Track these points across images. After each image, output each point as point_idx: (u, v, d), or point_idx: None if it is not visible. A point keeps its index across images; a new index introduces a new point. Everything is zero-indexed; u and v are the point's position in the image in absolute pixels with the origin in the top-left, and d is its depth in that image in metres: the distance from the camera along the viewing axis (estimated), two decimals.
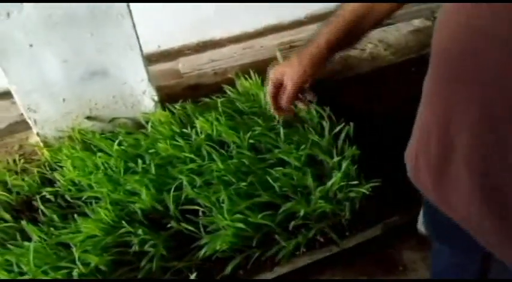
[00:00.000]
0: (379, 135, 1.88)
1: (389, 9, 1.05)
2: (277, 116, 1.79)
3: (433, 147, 0.81)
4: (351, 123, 1.83)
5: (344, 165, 1.67)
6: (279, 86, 1.18)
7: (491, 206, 0.73)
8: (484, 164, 0.70)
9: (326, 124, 1.85)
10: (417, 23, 2.73)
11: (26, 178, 1.93)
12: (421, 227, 1.69)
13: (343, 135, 1.81)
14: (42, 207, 1.76)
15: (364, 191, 1.61)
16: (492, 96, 0.64)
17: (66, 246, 1.60)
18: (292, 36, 3.25)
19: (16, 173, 2.01)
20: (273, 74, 1.18)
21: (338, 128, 1.83)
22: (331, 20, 1.07)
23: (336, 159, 1.71)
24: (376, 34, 2.68)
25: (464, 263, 1.17)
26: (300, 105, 1.33)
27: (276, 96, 1.20)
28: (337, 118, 1.88)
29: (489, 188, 0.72)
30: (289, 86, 1.15)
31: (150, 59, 2.84)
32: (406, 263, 1.65)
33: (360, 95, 2.16)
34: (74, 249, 1.53)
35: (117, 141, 1.91)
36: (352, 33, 1.08)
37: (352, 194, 1.63)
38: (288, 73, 1.13)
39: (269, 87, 1.20)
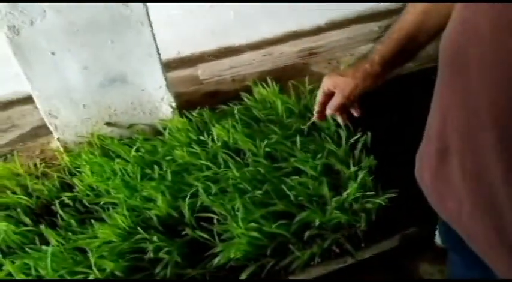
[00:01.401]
0: (397, 145, 1.84)
1: (440, 25, 1.06)
2: (311, 120, 1.78)
3: (433, 148, 0.82)
4: (368, 133, 1.81)
5: (360, 175, 1.65)
6: (329, 95, 1.20)
7: (483, 211, 0.73)
8: (473, 162, 0.71)
9: (343, 133, 1.83)
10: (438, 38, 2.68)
11: (46, 183, 1.96)
12: (438, 239, 1.66)
13: (360, 144, 1.79)
14: (60, 212, 1.79)
15: (380, 201, 1.59)
16: (480, 102, 0.64)
17: (83, 251, 1.62)
18: (312, 43, 3.24)
19: (37, 177, 2.05)
20: (326, 83, 1.21)
21: (355, 138, 1.81)
22: (385, 38, 1.09)
23: (352, 169, 1.69)
24: None
25: (475, 276, 1.15)
26: (339, 119, 1.33)
27: (324, 103, 1.23)
28: (354, 127, 1.86)
29: (480, 190, 0.73)
30: (338, 97, 1.18)
31: (169, 65, 2.87)
32: (422, 275, 1.62)
33: (378, 104, 2.13)
34: (90, 255, 1.56)
35: (134, 148, 1.94)
36: (405, 51, 1.10)
37: (368, 205, 1.61)
38: (340, 85, 1.16)
39: (319, 94, 1.23)
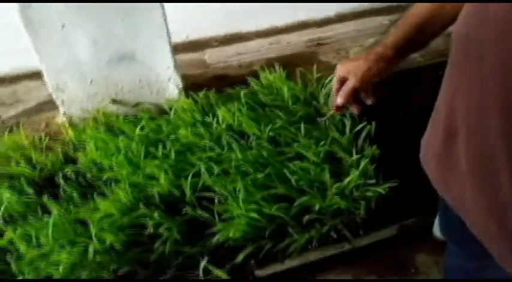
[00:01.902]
0: (401, 137, 1.85)
1: (455, 13, 1.06)
2: (329, 113, 1.77)
3: (439, 132, 0.83)
4: (373, 123, 1.82)
5: (363, 163, 1.66)
6: (344, 82, 1.18)
7: (484, 187, 0.74)
8: (479, 145, 0.72)
9: (347, 122, 1.84)
10: (450, 27, 2.67)
11: (50, 155, 1.98)
12: (436, 231, 1.67)
13: (364, 134, 1.80)
14: (63, 184, 1.80)
15: (381, 190, 1.61)
16: (489, 85, 0.64)
17: (84, 223, 1.64)
18: (321, 33, 3.23)
19: (41, 150, 2.06)
20: (339, 70, 1.19)
21: (359, 127, 1.82)
22: (399, 22, 1.09)
23: (355, 157, 1.70)
24: None
25: (475, 269, 1.16)
26: (352, 109, 1.32)
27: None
28: (359, 117, 1.86)
29: (483, 169, 0.73)
30: (351, 81, 1.17)
31: (177, 48, 2.87)
32: (419, 266, 1.63)
33: (384, 95, 2.14)
34: (91, 226, 1.57)
35: (139, 126, 1.95)
36: (418, 37, 1.09)
37: (368, 193, 1.62)
38: (353, 70, 1.15)
39: (334, 83, 1.21)
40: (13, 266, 1.52)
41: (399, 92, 2.17)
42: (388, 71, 1.18)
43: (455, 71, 0.76)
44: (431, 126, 0.90)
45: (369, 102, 1.27)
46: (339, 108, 1.23)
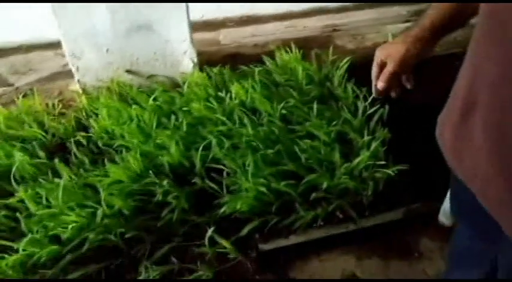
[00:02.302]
0: (413, 122, 1.86)
1: None
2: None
3: (458, 104, 0.83)
4: (386, 107, 1.82)
5: (373, 145, 1.66)
6: (383, 67, 1.17)
7: (499, 160, 0.74)
8: (498, 118, 0.72)
9: (361, 104, 1.84)
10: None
11: (63, 121, 2.00)
12: (442, 217, 1.68)
13: (376, 116, 1.80)
14: (75, 149, 1.82)
15: (390, 172, 1.61)
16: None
17: (93, 188, 1.66)
18: (337, 20, 3.22)
19: (54, 116, 2.08)
20: (377, 54, 1.18)
21: (372, 109, 1.82)
22: (436, 4, 1.08)
23: (366, 138, 1.70)
24: None
25: (479, 249, 1.16)
26: (393, 93, 1.30)
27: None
28: (373, 99, 1.86)
29: (500, 141, 0.73)
30: (390, 65, 1.16)
31: (192, 27, 2.89)
32: (423, 250, 1.64)
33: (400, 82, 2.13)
34: (100, 191, 1.59)
35: (153, 97, 1.96)
36: (456, 18, 1.08)
37: (377, 175, 1.63)
38: (392, 53, 1.14)
39: (374, 68, 1.21)
40: (22, 224, 1.55)
41: (415, 80, 2.16)
42: (426, 53, 1.16)
43: (483, 39, 0.76)
44: (450, 99, 0.90)
45: (408, 86, 1.26)
46: (381, 92, 1.22)
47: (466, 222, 1.14)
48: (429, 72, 2.24)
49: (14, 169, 1.71)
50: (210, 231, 1.52)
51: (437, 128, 0.96)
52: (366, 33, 2.58)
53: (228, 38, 3.07)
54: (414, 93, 2.08)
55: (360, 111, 1.83)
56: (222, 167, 1.69)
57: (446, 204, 1.62)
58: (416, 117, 1.86)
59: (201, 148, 1.72)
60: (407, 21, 2.96)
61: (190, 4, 1.99)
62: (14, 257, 1.44)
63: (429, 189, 1.68)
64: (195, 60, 2.09)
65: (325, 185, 1.61)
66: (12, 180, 1.69)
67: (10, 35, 3.00)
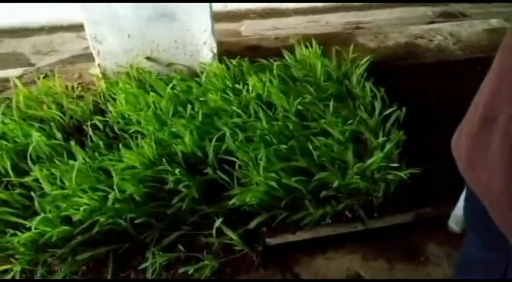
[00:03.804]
0: (430, 126, 1.84)
1: None
2: None
3: (478, 115, 0.82)
4: (403, 108, 1.80)
5: (388, 146, 1.65)
6: None
7: None
8: None
9: (378, 104, 1.83)
10: (494, 22, 2.61)
11: (81, 104, 2.02)
12: (452, 223, 1.66)
13: (392, 118, 1.79)
14: (91, 133, 1.85)
15: (402, 175, 1.60)
16: None
17: (107, 172, 1.68)
18: (360, 17, 3.19)
19: (72, 98, 2.11)
20: None
21: (389, 110, 1.80)
22: None
23: (380, 139, 1.69)
24: (448, 27, 2.59)
25: (489, 261, 1.15)
26: None
27: None
28: (390, 101, 1.85)
29: None
30: None
31: (214, 17, 2.90)
32: (429, 255, 1.63)
33: (418, 84, 2.11)
34: (113, 175, 1.62)
35: (170, 85, 1.97)
36: None
37: (389, 176, 1.62)
38: None
39: None
40: (36, 203, 1.58)
41: (434, 83, 2.14)
42: None
43: (505, 57, 0.75)
44: (470, 110, 0.89)
45: None
46: None
47: (477, 231, 1.13)
48: (450, 76, 2.22)
49: (31, 148, 1.74)
50: (218, 222, 1.54)
51: (453, 139, 0.95)
52: (388, 33, 2.55)
53: (249, 29, 3.07)
54: (433, 96, 2.08)
55: (377, 111, 1.82)
56: (234, 159, 1.69)
57: (457, 211, 1.61)
58: (434, 121, 1.85)
59: (214, 139, 1.73)
60: (432, 22, 2.93)
61: None
62: (26, 234, 1.47)
63: (441, 195, 1.67)
64: (215, 50, 2.10)
65: (336, 184, 1.61)
66: (29, 160, 1.72)
67: (34, 16, 3.05)
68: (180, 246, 1.56)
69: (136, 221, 1.55)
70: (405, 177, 1.60)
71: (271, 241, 1.59)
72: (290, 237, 1.61)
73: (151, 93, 1.94)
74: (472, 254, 1.23)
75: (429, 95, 2.06)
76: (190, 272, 1.50)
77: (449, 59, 2.34)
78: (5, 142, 1.79)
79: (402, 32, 2.52)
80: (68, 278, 1.49)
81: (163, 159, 1.68)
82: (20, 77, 2.27)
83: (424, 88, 2.10)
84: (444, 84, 2.15)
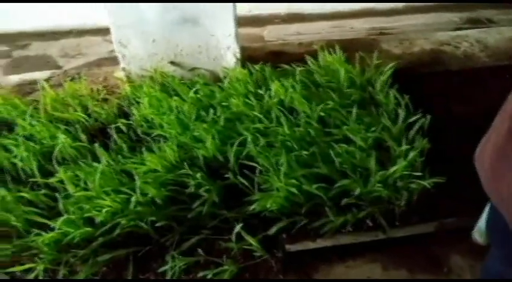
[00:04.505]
0: (455, 135, 1.81)
1: None
2: None
3: (505, 127, 0.80)
4: (428, 116, 1.77)
5: (411, 155, 1.63)
6: None
7: None
8: None
9: (401, 112, 1.80)
10: None
11: (106, 107, 2.06)
12: (476, 235, 1.63)
13: (417, 126, 1.76)
14: (115, 135, 1.88)
15: (426, 184, 1.57)
16: None
17: (129, 175, 1.70)
18: (386, 23, 3.16)
19: (97, 101, 2.14)
20: None
21: (413, 118, 1.78)
22: None
23: (404, 147, 1.67)
24: (475, 34, 2.55)
25: (510, 276, 1.12)
26: None
27: None
28: (414, 108, 1.82)
29: None
30: None
31: (238, 22, 2.92)
32: (452, 266, 1.59)
33: (443, 91, 2.08)
34: (136, 178, 1.63)
35: (193, 89, 1.99)
36: None
37: (412, 185, 1.59)
38: None
39: None
40: (60, 204, 1.61)
41: (460, 90, 2.10)
42: None
43: None
44: (496, 123, 0.87)
45: None
46: None
47: (498, 245, 1.10)
48: (476, 83, 2.18)
49: (56, 150, 1.78)
50: (237, 228, 1.54)
51: (477, 152, 0.93)
52: (413, 39, 2.52)
53: (272, 34, 3.07)
54: (459, 104, 2.04)
55: (401, 118, 1.79)
56: (255, 164, 1.69)
57: (481, 222, 1.57)
58: (459, 129, 1.82)
59: (236, 144, 1.74)
60: (458, 28, 2.88)
61: None
62: (50, 234, 1.50)
63: (465, 205, 1.63)
64: (238, 55, 2.11)
65: (357, 192, 1.59)
66: (54, 161, 1.76)
67: (63, 20, 3.12)
68: (199, 250, 1.57)
69: (157, 224, 1.57)
70: (429, 186, 1.57)
71: (291, 248, 1.59)
72: (310, 244, 1.59)
73: (175, 97, 1.96)
74: (493, 268, 1.20)
75: (455, 102, 2.02)
76: (209, 276, 1.50)
77: (476, 66, 2.30)
78: (32, 143, 1.83)
79: (428, 38, 2.49)
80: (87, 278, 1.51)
81: (185, 163, 1.69)
82: (47, 80, 2.32)
83: (450, 96, 2.07)
84: (470, 91, 2.11)
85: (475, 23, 2.99)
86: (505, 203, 0.84)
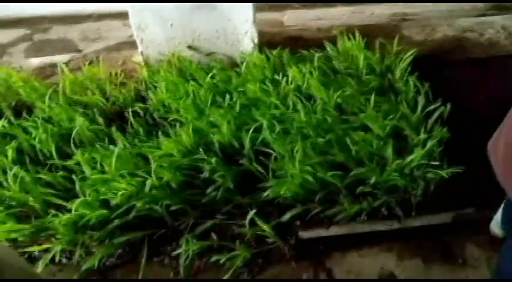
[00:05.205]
0: (475, 124, 1.76)
1: None
2: None
3: None
4: (448, 105, 1.73)
5: (429, 144, 1.60)
6: None
7: None
8: None
9: (421, 100, 1.77)
10: None
11: (123, 91, 2.07)
12: (494, 227, 1.60)
13: (436, 114, 1.72)
14: (132, 119, 1.89)
15: (443, 174, 1.54)
16: None
17: (145, 158, 1.71)
18: (407, 9, 3.08)
19: (115, 85, 2.15)
20: None
21: (433, 107, 1.74)
22: None
23: (422, 136, 1.64)
24: (500, 20, 2.46)
25: None
26: None
27: None
28: (434, 96, 1.78)
29: None
30: None
31: (256, 7, 2.88)
32: (468, 258, 1.57)
33: (465, 79, 2.03)
34: (151, 162, 1.65)
35: (210, 74, 1.98)
36: None
37: (429, 175, 1.57)
38: None
39: None
40: (77, 186, 1.63)
41: (483, 79, 2.05)
42: None
43: None
44: (509, 118, 0.85)
45: None
46: None
47: None
48: (500, 72, 2.12)
49: (74, 133, 1.80)
50: (251, 213, 1.54)
51: (492, 140, 0.91)
52: (435, 25, 2.45)
53: (292, 19, 3.02)
54: (481, 93, 1.99)
55: (420, 107, 1.76)
56: (270, 151, 1.69)
57: (499, 214, 1.54)
58: (480, 119, 1.77)
59: (251, 130, 1.73)
60: (483, 15, 2.79)
61: None
62: (67, 216, 1.52)
63: (483, 196, 1.59)
64: (256, 40, 2.09)
65: (373, 180, 1.58)
66: (72, 143, 1.78)
67: (83, 4, 3.13)
68: (213, 235, 1.58)
69: (171, 208, 1.58)
70: (446, 176, 1.54)
71: (304, 235, 1.58)
72: (323, 232, 1.59)
73: (191, 82, 1.96)
74: (508, 258, 1.18)
75: (477, 91, 1.97)
76: (222, 260, 1.51)
77: (501, 54, 2.23)
78: (51, 126, 1.85)
79: (451, 25, 2.42)
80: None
81: (200, 148, 1.69)
82: (67, 63, 2.34)
83: (472, 84, 2.01)
84: (494, 80, 2.05)
85: (501, 9, 2.89)
86: None
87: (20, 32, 2.94)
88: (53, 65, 2.34)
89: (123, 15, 2.80)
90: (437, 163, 1.57)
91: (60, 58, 2.42)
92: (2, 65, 2.33)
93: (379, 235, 1.61)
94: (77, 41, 2.93)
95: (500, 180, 0.87)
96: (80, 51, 2.77)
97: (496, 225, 1.59)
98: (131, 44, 2.45)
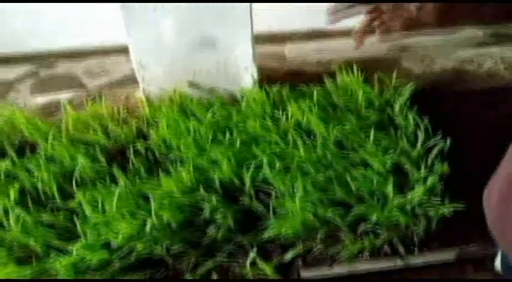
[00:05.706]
0: (476, 157, 1.75)
1: None
2: None
3: (509, 171, 0.78)
4: (448, 139, 1.73)
5: (430, 180, 1.59)
6: None
7: None
8: None
9: (421, 134, 1.77)
10: None
11: (125, 128, 2.08)
12: (498, 265, 1.57)
13: (436, 149, 1.72)
14: (132, 157, 1.90)
15: (445, 211, 1.53)
16: None
17: (146, 197, 1.71)
18: (407, 39, 3.11)
19: (118, 121, 2.17)
20: None
21: (433, 141, 1.74)
22: None
23: (422, 172, 1.63)
24: (498, 51, 2.48)
25: None
26: None
27: None
28: (434, 129, 1.79)
29: None
30: None
31: (257, 39, 2.91)
32: None
33: (465, 112, 2.03)
34: (152, 202, 1.65)
35: (211, 111, 2.00)
36: None
37: (431, 212, 1.56)
38: None
39: None
40: (78, 227, 1.63)
41: (482, 110, 2.05)
42: None
43: None
44: (503, 164, 0.85)
45: None
46: None
47: None
48: (500, 103, 2.12)
49: (76, 172, 1.81)
50: (252, 255, 1.53)
51: (486, 188, 0.91)
52: (434, 56, 2.47)
53: (292, 52, 3.06)
54: (481, 128, 1.98)
55: (420, 142, 1.76)
56: (270, 189, 1.69)
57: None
58: (481, 153, 1.76)
59: (252, 166, 1.73)
60: (481, 45, 2.81)
61: (258, 15, 2.01)
62: (68, 258, 1.52)
63: (487, 233, 1.57)
64: (256, 76, 2.11)
65: (374, 217, 1.57)
66: (74, 183, 1.79)
67: (88, 39, 3.18)
68: (214, 275, 1.56)
69: (172, 248, 1.57)
70: (447, 213, 1.53)
71: (306, 274, 1.57)
72: (326, 271, 1.57)
73: (192, 119, 1.97)
74: None
75: (477, 123, 1.97)
76: None
77: (500, 86, 2.24)
78: (53, 165, 1.86)
79: (449, 55, 2.44)
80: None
81: (200, 186, 1.69)
82: (70, 99, 2.37)
83: (472, 116, 2.02)
84: (494, 112, 2.05)
85: (499, 39, 2.92)
86: (510, 247, 0.81)
87: (27, 67, 2.99)
88: (57, 103, 2.37)
89: (126, 50, 2.85)
90: (438, 199, 1.56)
91: (64, 95, 2.46)
92: (7, 103, 2.37)
93: (382, 273, 1.59)
94: (81, 76, 2.98)
95: (490, 227, 0.87)
96: (84, 86, 2.81)
97: (499, 263, 1.56)
98: (134, 80, 2.48)
